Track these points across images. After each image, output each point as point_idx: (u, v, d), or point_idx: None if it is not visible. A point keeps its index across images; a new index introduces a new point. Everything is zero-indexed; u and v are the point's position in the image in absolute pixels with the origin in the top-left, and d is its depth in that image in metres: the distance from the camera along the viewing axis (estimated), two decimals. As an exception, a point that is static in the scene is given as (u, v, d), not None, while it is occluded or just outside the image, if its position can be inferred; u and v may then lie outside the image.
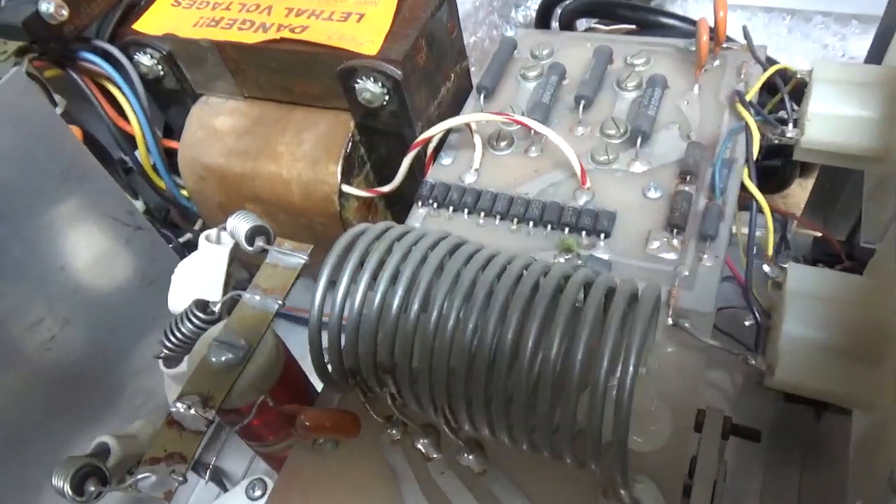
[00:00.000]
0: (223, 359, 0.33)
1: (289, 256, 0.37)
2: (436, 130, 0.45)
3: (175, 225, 0.60)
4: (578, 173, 0.42)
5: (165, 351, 0.37)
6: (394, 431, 0.35)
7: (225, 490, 0.55)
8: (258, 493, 0.53)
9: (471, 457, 0.33)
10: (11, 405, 0.41)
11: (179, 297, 0.45)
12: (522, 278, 0.29)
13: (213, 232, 0.44)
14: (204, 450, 0.58)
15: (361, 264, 0.31)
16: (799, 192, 0.68)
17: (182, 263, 0.45)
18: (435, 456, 0.34)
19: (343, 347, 0.31)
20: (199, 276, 0.44)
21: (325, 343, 0.31)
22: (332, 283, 0.31)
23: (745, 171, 0.40)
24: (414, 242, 0.31)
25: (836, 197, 0.56)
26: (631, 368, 0.25)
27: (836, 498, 0.37)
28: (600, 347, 0.26)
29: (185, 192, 0.54)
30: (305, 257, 0.37)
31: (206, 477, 0.57)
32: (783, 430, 0.46)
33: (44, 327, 0.41)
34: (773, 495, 0.47)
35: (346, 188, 0.48)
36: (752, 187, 0.39)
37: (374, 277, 0.30)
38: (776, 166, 0.59)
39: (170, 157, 0.53)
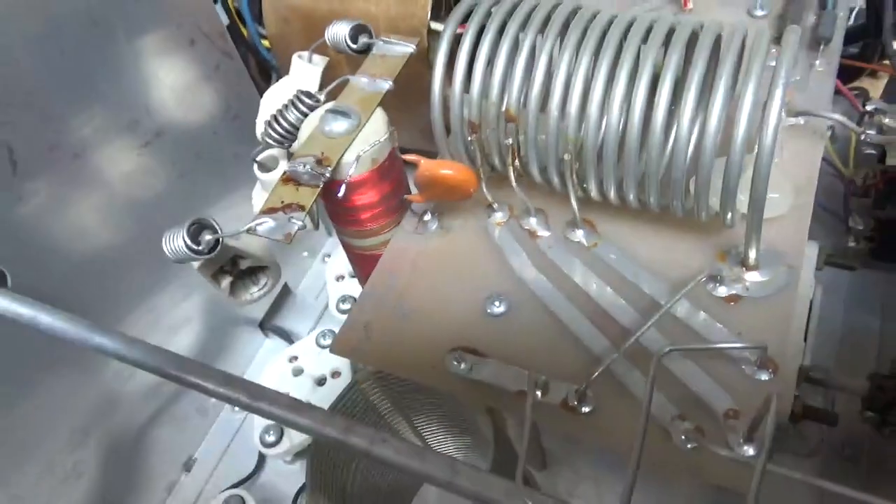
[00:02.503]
0: (336, 126, 0.33)
1: (396, 45, 0.37)
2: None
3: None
4: (682, -6, 0.41)
5: (269, 141, 0.37)
6: (499, 214, 0.35)
7: (291, 343, 0.56)
8: (328, 340, 0.53)
9: (580, 231, 0.33)
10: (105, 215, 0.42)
11: (268, 121, 0.45)
12: (653, 28, 0.28)
13: (304, 53, 0.44)
14: (268, 313, 0.58)
15: (488, 15, 0.30)
16: None
17: (272, 88, 0.45)
18: (543, 234, 0.33)
19: (469, 98, 0.30)
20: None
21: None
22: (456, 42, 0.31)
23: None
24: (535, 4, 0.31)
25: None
26: (774, 117, 0.25)
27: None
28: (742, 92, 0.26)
29: (266, 43, 0.54)
30: (413, 46, 0.37)
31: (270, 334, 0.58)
32: (846, 445, 0.44)
33: (140, 129, 0.41)
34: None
35: (434, 24, 0.47)
36: None
37: (502, 27, 0.30)
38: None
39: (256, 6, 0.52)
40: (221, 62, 0.47)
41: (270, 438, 0.48)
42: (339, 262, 0.58)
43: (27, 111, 0.35)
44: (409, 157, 0.31)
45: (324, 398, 0.50)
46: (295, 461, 0.50)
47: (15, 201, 0.35)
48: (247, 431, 0.53)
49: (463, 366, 0.29)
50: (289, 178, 0.32)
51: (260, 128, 0.44)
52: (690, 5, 0.41)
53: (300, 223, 0.30)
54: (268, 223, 0.30)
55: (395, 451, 0.25)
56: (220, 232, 0.32)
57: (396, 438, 0.25)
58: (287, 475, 0.50)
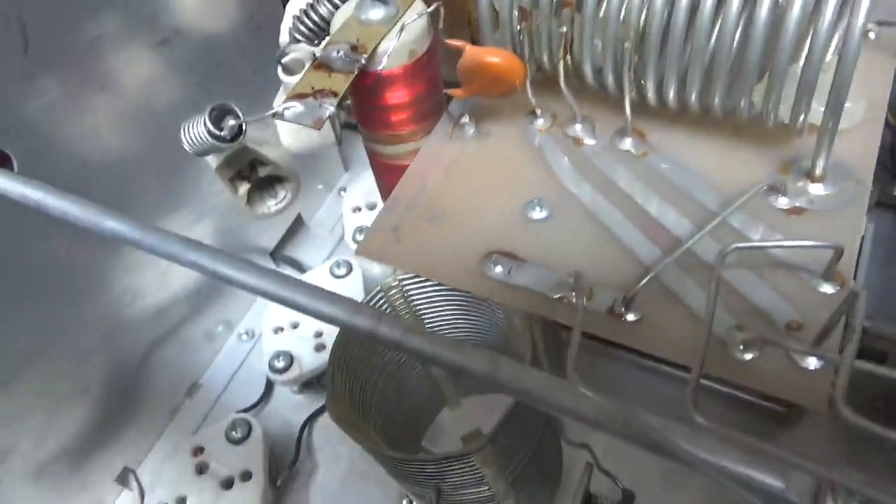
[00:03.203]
0: (373, 13, 0.31)
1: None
2: None
3: None
4: None
5: (297, 36, 0.35)
6: (541, 120, 0.32)
7: (303, 272, 0.54)
8: (342, 271, 0.51)
9: (629, 140, 0.31)
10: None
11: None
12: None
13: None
14: (280, 242, 0.56)
15: None
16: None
17: (297, -4, 0.43)
18: (588, 141, 0.31)
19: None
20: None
21: None
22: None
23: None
24: None
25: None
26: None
27: None
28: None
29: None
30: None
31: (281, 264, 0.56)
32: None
33: (159, 23, 0.39)
34: None
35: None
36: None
37: None
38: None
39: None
40: (245, -36, 0.44)
41: (280, 364, 0.46)
42: (357, 194, 0.56)
43: None
44: (453, 42, 0.28)
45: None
46: (302, 391, 0.49)
47: (24, 84, 0.33)
48: (253, 361, 0.52)
49: (500, 269, 0.27)
50: (320, 64, 0.30)
51: (284, 35, 0.42)
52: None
53: (332, 108, 0.28)
54: (296, 107, 0.28)
55: (429, 343, 0.23)
56: (242, 117, 0.30)
57: (430, 333, 0.23)
58: (294, 406, 0.49)
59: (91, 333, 0.42)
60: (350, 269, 0.51)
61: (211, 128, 0.29)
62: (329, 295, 0.25)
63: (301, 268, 0.55)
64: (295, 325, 0.49)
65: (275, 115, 0.28)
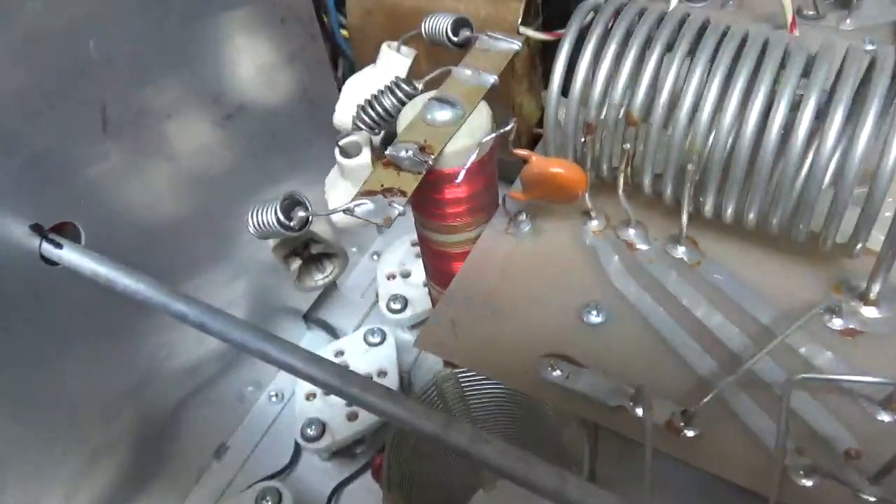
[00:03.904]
0: (440, 115, 0.32)
1: (500, 42, 0.36)
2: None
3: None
4: (788, 20, 0.40)
5: (360, 125, 0.36)
6: (596, 223, 0.33)
7: (336, 338, 0.55)
8: (377, 339, 0.52)
9: (682, 248, 0.32)
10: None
11: (349, 110, 0.44)
12: (792, 50, 0.27)
13: (393, 42, 0.43)
14: (313, 305, 0.57)
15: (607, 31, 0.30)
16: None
17: (355, 76, 0.44)
18: (641, 246, 0.32)
19: (590, 99, 0.29)
20: (374, 89, 0.43)
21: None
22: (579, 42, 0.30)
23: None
24: (660, 16, 0.30)
25: None
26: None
27: None
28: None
29: (345, 33, 0.54)
30: (519, 43, 0.36)
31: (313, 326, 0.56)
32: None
33: (224, 101, 0.40)
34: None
35: (522, 29, 0.47)
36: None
37: (630, 29, 0.29)
38: None
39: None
40: (307, 44, 0.46)
41: (312, 433, 0.46)
42: (391, 261, 0.57)
43: (125, 73, 0.34)
44: (520, 151, 0.30)
45: (368, 397, 0.49)
46: (331, 459, 0.49)
47: (100, 159, 0.34)
48: (282, 424, 0.52)
49: (558, 373, 0.28)
50: (389, 163, 0.31)
51: (339, 114, 0.43)
52: (796, 32, 0.40)
53: (401, 208, 0.29)
54: (367, 205, 0.29)
55: (498, 453, 0.23)
56: (310, 209, 0.31)
57: (497, 440, 0.24)
58: (322, 472, 0.49)
59: (123, 387, 0.42)
60: (384, 338, 0.52)
61: (281, 218, 0.30)
62: (398, 396, 0.25)
63: (334, 332, 0.55)
64: (327, 392, 0.49)
65: (345, 211, 0.29)
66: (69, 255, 0.31)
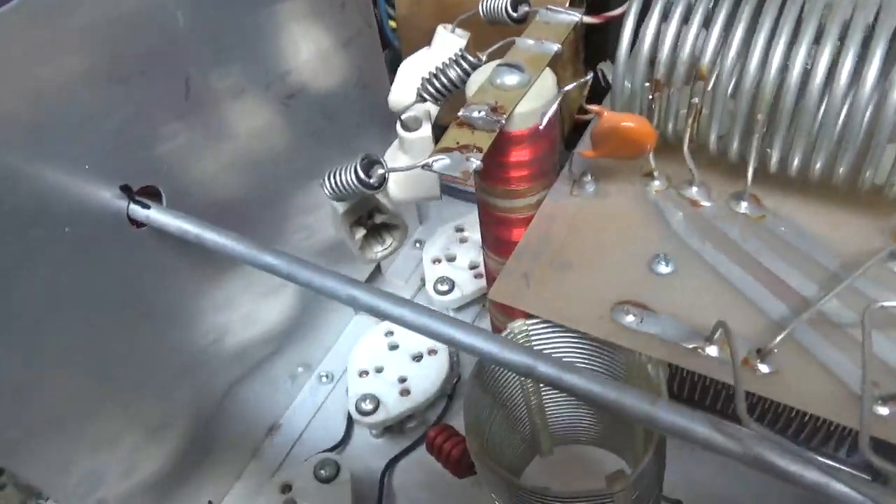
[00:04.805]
0: (508, 79, 0.34)
1: (560, 14, 0.38)
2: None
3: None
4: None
5: (425, 96, 0.38)
6: (658, 182, 0.35)
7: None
8: (445, 287, 0.54)
9: (745, 203, 0.33)
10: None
11: (404, 90, 0.45)
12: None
13: (448, 24, 0.45)
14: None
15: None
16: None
17: (410, 58, 0.46)
18: (705, 203, 0.33)
19: (658, 56, 0.31)
20: (430, 69, 0.45)
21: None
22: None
23: None
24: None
25: None
26: None
27: None
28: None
29: (392, 24, 0.56)
30: (579, 14, 0.37)
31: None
32: None
33: (288, 82, 0.42)
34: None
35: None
36: None
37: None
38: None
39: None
40: (363, 30, 0.48)
41: (367, 407, 0.47)
42: (435, 247, 0.58)
43: (206, 48, 0.36)
44: (592, 106, 0.31)
45: (420, 374, 0.50)
46: (382, 435, 0.50)
47: (181, 128, 0.36)
48: (331, 404, 0.53)
49: (631, 318, 0.29)
50: (462, 123, 0.32)
51: (395, 94, 0.45)
52: None
53: (478, 162, 0.30)
54: (444, 160, 0.31)
55: (587, 381, 0.24)
56: (386, 167, 0.32)
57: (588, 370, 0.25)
58: (374, 449, 0.50)
59: (176, 368, 0.43)
60: (452, 286, 0.54)
61: (362, 175, 0.31)
62: (486, 333, 0.26)
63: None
64: (379, 370, 0.50)
65: (424, 166, 0.31)
66: (157, 215, 0.33)
